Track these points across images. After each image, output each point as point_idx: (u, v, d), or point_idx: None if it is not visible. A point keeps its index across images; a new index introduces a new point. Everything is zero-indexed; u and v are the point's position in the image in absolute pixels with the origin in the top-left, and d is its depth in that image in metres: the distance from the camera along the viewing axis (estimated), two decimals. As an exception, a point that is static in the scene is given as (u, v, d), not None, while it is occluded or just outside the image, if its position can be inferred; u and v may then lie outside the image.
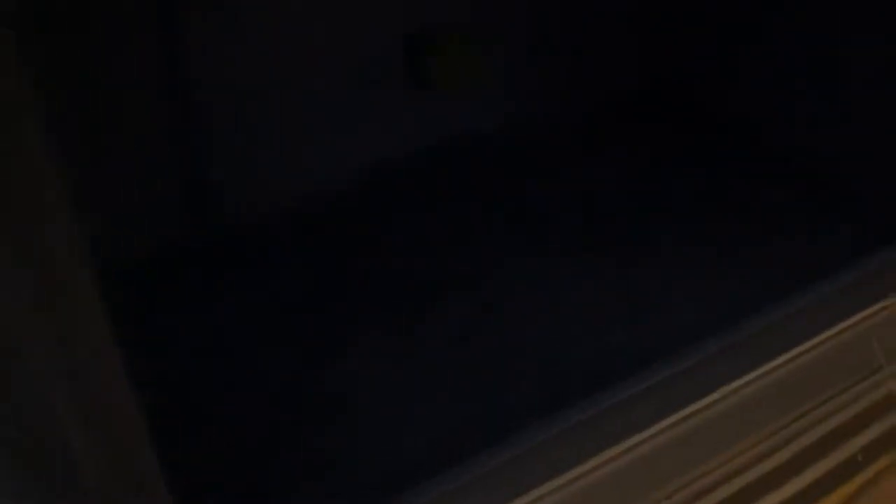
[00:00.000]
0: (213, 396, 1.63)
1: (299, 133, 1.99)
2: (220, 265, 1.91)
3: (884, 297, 1.60)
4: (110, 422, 0.91)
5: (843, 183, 1.99)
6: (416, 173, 2.09)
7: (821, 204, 1.97)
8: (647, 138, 2.23)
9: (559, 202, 2.03)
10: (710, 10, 2.18)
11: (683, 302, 1.75)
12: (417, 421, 1.56)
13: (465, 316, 1.74)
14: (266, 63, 1.90)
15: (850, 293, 1.59)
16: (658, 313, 1.72)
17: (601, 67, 2.31)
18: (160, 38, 1.77)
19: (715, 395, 1.48)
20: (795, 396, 1.53)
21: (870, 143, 1.91)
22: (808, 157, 2.05)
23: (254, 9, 1.85)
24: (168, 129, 1.85)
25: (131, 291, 1.73)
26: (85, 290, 0.83)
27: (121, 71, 1.75)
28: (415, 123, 2.11)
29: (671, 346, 1.55)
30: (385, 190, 2.07)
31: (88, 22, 1.67)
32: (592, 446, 1.39)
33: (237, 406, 1.60)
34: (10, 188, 0.75)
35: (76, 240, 0.80)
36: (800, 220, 1.95)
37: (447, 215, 2.00)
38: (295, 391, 1.62)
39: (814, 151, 2.04)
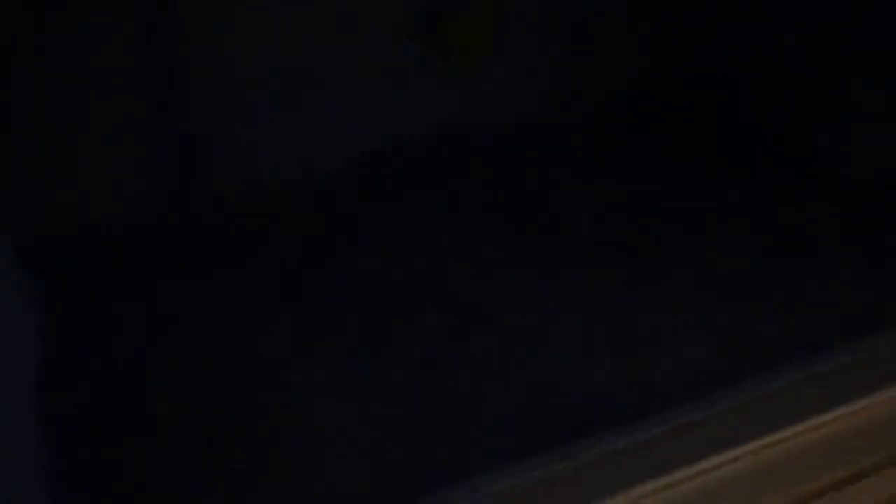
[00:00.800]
0: (156, 393, 1.48)
1: (301, 112, 1.83)
2: (201, 244, 1.74)
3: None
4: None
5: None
6: (415, 162, 1.90)
7: (869, 229, 1.76)
8: (671, 141, 2.02)
9: (564, 207, 1.83)
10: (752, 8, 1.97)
11: (688, 339, 1.54)
12: (367, 448, 1.39)
13: (442, 335, 1.56)
14: (272, 37, 1.74)
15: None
16: (656, 350, 1.52)
17: (627, 61, 2.10)
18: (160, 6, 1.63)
19: (714, 460, 1.30)
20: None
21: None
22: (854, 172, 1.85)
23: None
24: (163, 100, 1.71)
25: (109, 260, 1.70)
26: None
27: (119, 41, 1.63)
28: (420, 109, 1.91)
29: (668, 394, 1.38)
30: (380, 179, 1.88)
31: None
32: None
33: (178, 408, 1.44)
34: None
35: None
36: (838, 245, 1.73)
37: (440, 214, 1.80)
38: (242, 396, 1.46)
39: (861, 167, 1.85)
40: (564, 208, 1.82)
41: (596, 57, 2.06)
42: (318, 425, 1.42)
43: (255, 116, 1.78)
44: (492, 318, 1.58)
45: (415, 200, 1.83)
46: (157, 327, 1.58)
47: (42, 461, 1.33)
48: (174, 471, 1.37)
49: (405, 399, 1.45)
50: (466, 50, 1.89)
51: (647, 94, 2.11)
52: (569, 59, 2.04)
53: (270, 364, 1.51)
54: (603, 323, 1.57)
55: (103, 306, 1.61)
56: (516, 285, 1.65)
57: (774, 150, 1.95)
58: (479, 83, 1.96)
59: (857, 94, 1.81)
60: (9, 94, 1.58)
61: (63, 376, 1.47)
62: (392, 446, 1.38)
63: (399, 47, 1.85)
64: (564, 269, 1.68)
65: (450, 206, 1.82)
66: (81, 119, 1.65)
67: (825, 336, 1.46)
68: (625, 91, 2.11)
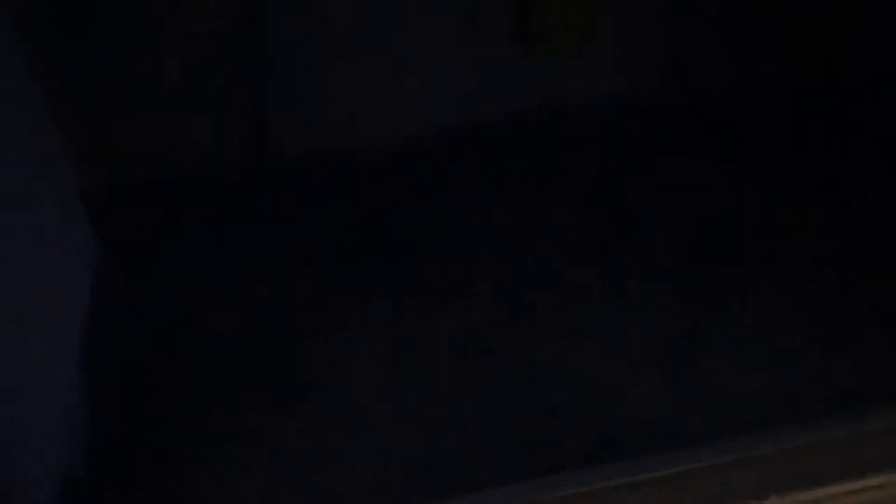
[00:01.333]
0: (192, 342, 1.48)
1: (378, 81, 1.76)
2: (261, 202, 1.73)
3: None
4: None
5: None
6: (494, 143, 1.80)
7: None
8: (777, 145, 1.82)
9: (644, 209, 1.69)
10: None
11: (753, 367, 1.40)
12: (381, 428, 1.35)
13: (484, 321, 1.49)
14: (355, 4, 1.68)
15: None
16: (708, 379, 1.40)
17: (735, 53, 1.90)
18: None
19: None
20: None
21: None
22: None
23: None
24: (241, 59, 1.71)
25: (169, 211, 1.72)
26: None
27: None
28: (506, 88, 1.81)
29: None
30: (455, 157, 1.79)
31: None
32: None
33: (199, 368, 1.44)
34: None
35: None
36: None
37: (509, 199, 1.71)
38: (263, 361, 1.45)
39: None
40: (643, 210, 1.69)
41: (704, 53, 1.90)
42: (340, 396, 1.40)
43: (331, 81, 1.74)
44: (541, 310, 1.50)
45: (487, 182, 1.75)
46: (206, 278, 1.58)
47: (83, 387, 1.39)
48: (194, 414, 1.39)
49: (430, 381, 1.40)
50: (561, 32, 1.77)
51: (755, 98, 1.92)
52: (675, 52, 1.89)
53: (305, 327, 1.49)
54: (659, 335, 1.45)
55: (157, 254, 1.63)
56: (574, 281, 1.55)
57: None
58: (571, 67, 1.84)
59: None
60: (90, 44, 1.61)
61: (110, 317, 1.51)
62: (406, 430, 1.34)
63: (489, 23, 1.76)
64: (632, 274, 1.56)
65: (521, 191, 1.73)
66: (158, 70, 1.66)
67: None
68: (764, 86, 1.92)
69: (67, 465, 1.30)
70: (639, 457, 1.19)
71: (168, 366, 1.46)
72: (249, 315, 1.52)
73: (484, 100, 1.81)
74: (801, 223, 1.65)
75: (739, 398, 1.36)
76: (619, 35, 1.84)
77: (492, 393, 1.39)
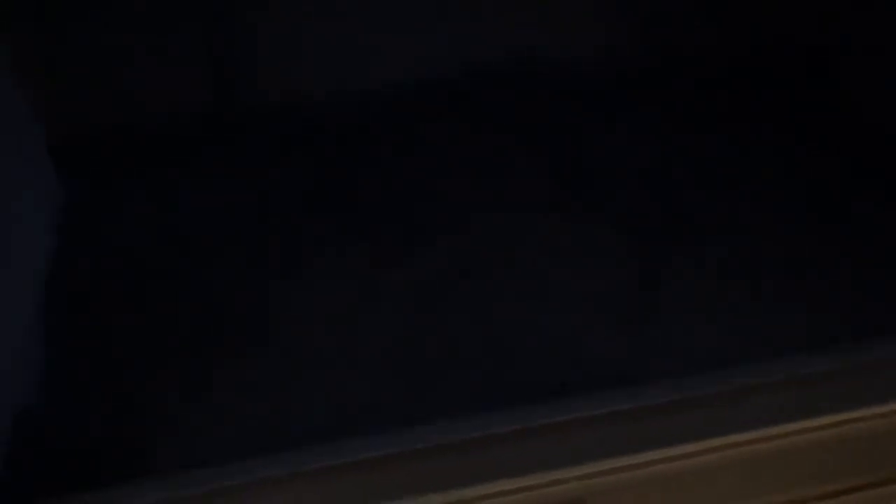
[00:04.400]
0: (153, 291, 1.49)
1: (349, 30, 1.77)
2: (218, 153, 1.74)
3: None
4: None
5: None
6: (459, 96, 1.81)
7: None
8: (748, 101, 1.84)
9: (614, 162, 1.69)
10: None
11: (707, 316, 1.41)
12: (339, 376, 1.34)
13: (444, 269, 1.49)
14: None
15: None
16: (668, 320, 1.40)
17: (711, 10, 1.92)
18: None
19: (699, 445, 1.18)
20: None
21: None
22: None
23: None
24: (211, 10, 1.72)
25: (138, 161, 1.73)
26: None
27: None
28: (473, 41, 1.82)
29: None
30: (428, 105, 1.80)
31: None
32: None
33: (156, 313, 1.45)
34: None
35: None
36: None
37: (478, 148, 1.72)
38: (221, 309, 1.45)
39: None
40: (607, 163, 1.69)
41: (678, 6, 1.91)
42: (295, 345, 1.39)
43: (295, 34, 1.76)
44: (502, 259, 1.51)
45: (452, 136, 1.75)
46: (167, 226, 1.59)
47: (39, 326, 1.41)
48: (150, 358, 1.39)
49: (387, 329, 1.40)
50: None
51: (741, 58, 1.94)
52: (649, 5, 1.91)
53: (268, 276, 1.50)
54: (616, 283, 1.46)
55: (121, 202, 1.64)
56: (537, 231, 1.56)
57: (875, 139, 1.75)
58: (541, 20, 1.85)
59: None
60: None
61: (70, 260, 1.52)
62: (361, 374, 1.34)
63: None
64: (594, 223, 1.57)
65: (486, 145, 1.74)
66: (128, 19, 1.67)
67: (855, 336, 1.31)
68: (718, 50, 1.95)
69: (20, 402, 1.31)
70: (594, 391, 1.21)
71: (125, 309, 1.46)
72: (207, 264, 1.53)
73: (450, 53, 1.82)
74: (764, 178, 1.67)
75: (690, 348, 1.36)
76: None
77: (446, 342, 1.39)
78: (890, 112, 1.72)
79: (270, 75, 1.79)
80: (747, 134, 1.76)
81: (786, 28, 1.95)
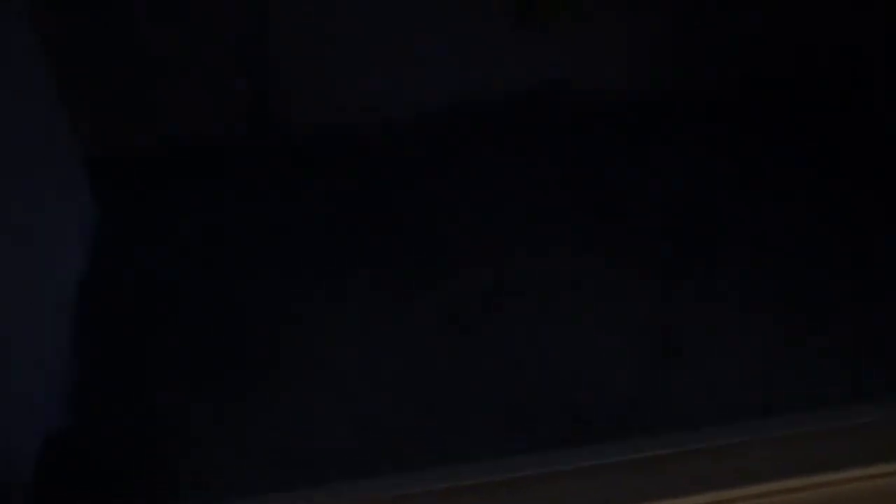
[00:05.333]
0: (181, 307, 1.52)
1: (381, 60, 1.78)
2: (261, 175, 1.76)
3: None
4: None
5: None
6: (489, 122, 1.81)
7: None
8: (769, 132, 1.82)
9: (633, 191, 1.69)
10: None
11: (727, 358, 1.40)
12: (357, 396, 1.37)
13: (467, 302, 1.50)
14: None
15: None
16: (688, 368, 1.40)
17: (730, 43, 1.90)
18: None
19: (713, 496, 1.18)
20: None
21: None
22: None
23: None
24: (249, 36, 1.74)
25: (171, 179, 1.75)
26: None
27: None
28: (503, 68, 1.82)
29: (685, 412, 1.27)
30: (452, 134, 1.80)
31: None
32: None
33: (185, 332, 1.47)
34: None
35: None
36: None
37: (504, 178, 1.72)
38: (247, 328, 1.47)
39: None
40: (632, 193, 1.69)
41: (708, 37, 1.90)
42: (319, 367, 1.42)
43: (332, 58, 1.77)
44: (523, 291, 1.51)
45: (480, 162, 1.76)
46: (199, 245, 1.62)
47: (72, 343, 1.43)
48: (177, 375, 1.42)
49: (409, 356, 1.42)
50: (549, 8, 1.77)
51: (763, 85, 1.92)
52: (677, 34, 1.89)
53: (291, 297, 1.52)
54: (638, 322, 1.46)
55: (155, 222, 1.67)
56: (563, 264, 1.57)
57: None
58: (569, 50, 1.85)
59: None
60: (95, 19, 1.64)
61: (104, 277, 1.55)
62: (384, 399, 1.36)
63: (488, 2, 1.77)
64: (617, 258, 1.57)
65: (514, 172, 1.74)
66: (162, 43, 1.70)
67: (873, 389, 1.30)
68: (738, 79, 1.93)
69: (51, 418, 1.33)
70: (607, 441, 1.21)
71: (156, 329, 1.48)
72: (237, 283, 1.55)
73: (481, 79, 1.82)
74: (794, 216, 1.65)
75: (713, 392, 1.36)
76: (617, 19, 1.84)
77: (467, 372, 1.40)
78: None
79: (303, 99, 1.80)
80: (777, 165, 1.75)
81: (809, 55, 1.93)
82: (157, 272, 1.59)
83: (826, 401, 1.27)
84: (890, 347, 1.40)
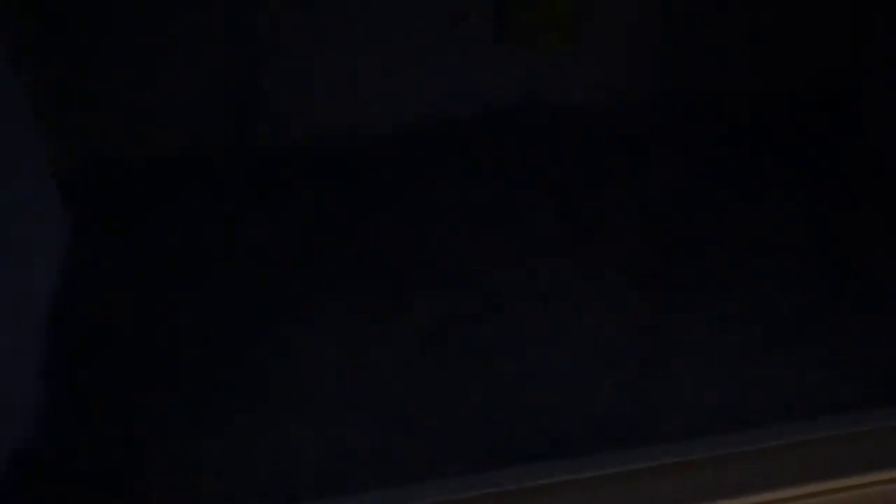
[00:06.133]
0: (158, 330, 1.48)
1: (352, 79, 1.77)
2: (231, 186, 1.73)
3: None
4: None
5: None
6: (472, 136, 1.80)
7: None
8: (751, 147, 1.82)
9: (615, 207, 1.68)
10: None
11: (710, 374, 1.39)
12: (338, 419, 1.34)
13: (449, 316, 1.48)
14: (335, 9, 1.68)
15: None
16: (671, 377, 1.38)
17: (712, 57, 1.90)
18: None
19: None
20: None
21: None
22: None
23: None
24: (231, 57, 1.72)
25: (144, 195, 1.72)
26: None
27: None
28: (487, 82, 1.81)
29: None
30: (428, 151, 1.79)
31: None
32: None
33: (161, 351, 1.44)
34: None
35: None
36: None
37: (482, 192, 1.70)
38: (225, 347, 1.44)
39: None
40: (615, 208, 1.68)
41: (694, 58, 1.91)
42: (298, 386, 1.39)
43: (314, 72, 1.76)
44: (505, 306, 1.49)
45: (462, 177, 1.75)
46: (175, 260, 1.59)
47: (43, 362, 1.40)
48: (152, 395, 1.38)
49: (389, 374, 1.40)
50: (540, 30, 1.76)
51: (746, 101, 1.93)
52: (657, 54, 1.90)
53: (273, 319, 1.49)
54: (626, 336, 1.44)
55: (127, 238, 1.63)
56: (545, 279, 1.55)
57: (881, 186, 1.74)
58: (551, 65, 1.84)
59: None
60: (67, 31, 1.61)
61: (76, 294, 1.52)
62: (362, 421, 1.33)
63: (473, 19, 1.76)
64: (600, 270, 1.56)
65: (496, 187, 1.73)
66: (142, 53, 1.67)
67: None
68: (722, 98, 1.93)
69: (21, 438, 1.30)
70: (585, 456, 1.19)
71: (129, 346, 1.45)
72: (215, 299, 1.52)
73: (464, 94, 1.82)
74: (779, 230, 1.65)
75: (699, 405, 1.34)
76: (599, 33, 1.84)
77: (451, 392, 1.38)
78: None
79: (283, 115, 1.79)
80: (763, 182, 1.75)
81: (805, 76, 1.94)
82: (129, 287, 1.55)
83: (805, 412, 1.26)
84: (868, 358, 1.39)
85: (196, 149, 1.77)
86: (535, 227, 1.64)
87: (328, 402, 1.37)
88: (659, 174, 1.76)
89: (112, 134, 1.74)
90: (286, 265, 1.58)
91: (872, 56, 1.85)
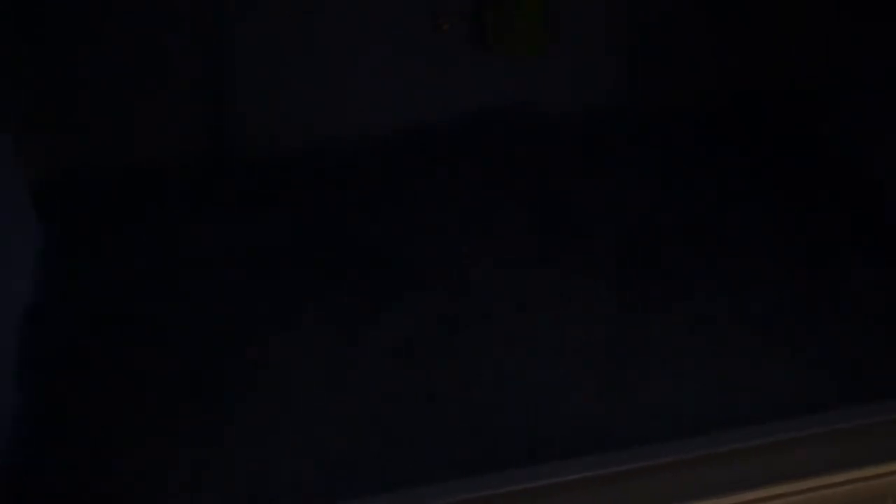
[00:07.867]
0: (133, 340, 1.47)
1: (331, 87, 1.78)
2: (207, 197, 1.73)
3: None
4: None
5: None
6: (448, 143, 1.81)
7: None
8: (728, 151, 1.84)
9: (597, 214, 1.69)
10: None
11: (688, 375, 1.40)
12: (314, 429, 1.33)
13: (427, 324, 1.48)
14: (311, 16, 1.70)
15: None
16: (649, 380, 1.39)
17: (683, 69, 1.93)
18: None
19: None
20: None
21: None
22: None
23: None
24: (208, 67, 1.73)
25: (120, 206, 1.72)
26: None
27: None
28: (466, 89, 1.82)
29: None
30: (409, 159, 1.79)
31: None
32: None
33: (136, 361, 1.43)
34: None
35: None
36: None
37: (463, 201, 1.71)
38: (200, 358, 1.43)
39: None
40: (592, 216, 1.69)
41: (664, 62, 1.92)
42: (274, 396, 1.38)
43: (290, 87, 1.77)
44: (488, 313, 1.50)
45: (441, 184, 1.75)
46: (150, 271, 1.58)
47: (17, 374, 1.39)
48: (128, 407, 1.37)
49: (366, 382, 1.39)
50: (519, 36, 1.78)
51: (718, 106, 1.95)
52: (633, 61, 1.92)
53: (252, 329, 1.48)
54: (604, 339, 1.45)
55: (102, 251, 1.62)
56: (524, 284, 1.55)
57: (851, 186, 1.75)
58: (531, 71, 1.86)
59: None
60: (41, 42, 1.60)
61: (51, 306, 1.51)
62: (342, 429, 1.33)
63: (453, 26, 1.78)
64: (577, 274, 1.56)
65: (474, 194, 1.73)
66: (112, 64, 1.67)
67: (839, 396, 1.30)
68: (693, 101, 1.95)
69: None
70: (565, 459, 1.20)
71: (104, 360, 1.44)
72: (188, 311, 1.51)
73: (442, 101, 1.83)
74: (756, 233, 1.66)
75: (674, 406, 1.35)
76: (578, 41, 1.86)
77: (429, 398, 1.38)
78: (890, 167, 1.73)
79: (258, 126, 1.79)
80: (740, 186, 1.76)
81: (780, 82, 1.96)
82: (105, 299, 1.54)
83: (782, 412, 1.27)
84: (843, 357, 1.41)
85: (172, 159, 1.76)
86: (516, 237, 1.64)
87: (308, 411, 1.36)
88: (633, 178, 1.77)
89: (87, 145, 1.73)
90: (264, 275, 1.58)
91: (842, 56, 1.88)
